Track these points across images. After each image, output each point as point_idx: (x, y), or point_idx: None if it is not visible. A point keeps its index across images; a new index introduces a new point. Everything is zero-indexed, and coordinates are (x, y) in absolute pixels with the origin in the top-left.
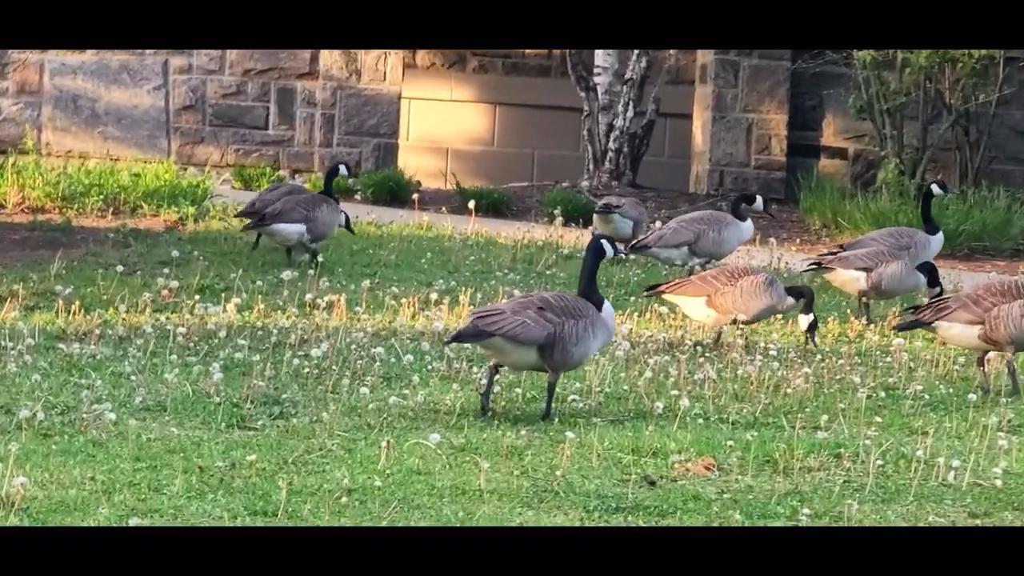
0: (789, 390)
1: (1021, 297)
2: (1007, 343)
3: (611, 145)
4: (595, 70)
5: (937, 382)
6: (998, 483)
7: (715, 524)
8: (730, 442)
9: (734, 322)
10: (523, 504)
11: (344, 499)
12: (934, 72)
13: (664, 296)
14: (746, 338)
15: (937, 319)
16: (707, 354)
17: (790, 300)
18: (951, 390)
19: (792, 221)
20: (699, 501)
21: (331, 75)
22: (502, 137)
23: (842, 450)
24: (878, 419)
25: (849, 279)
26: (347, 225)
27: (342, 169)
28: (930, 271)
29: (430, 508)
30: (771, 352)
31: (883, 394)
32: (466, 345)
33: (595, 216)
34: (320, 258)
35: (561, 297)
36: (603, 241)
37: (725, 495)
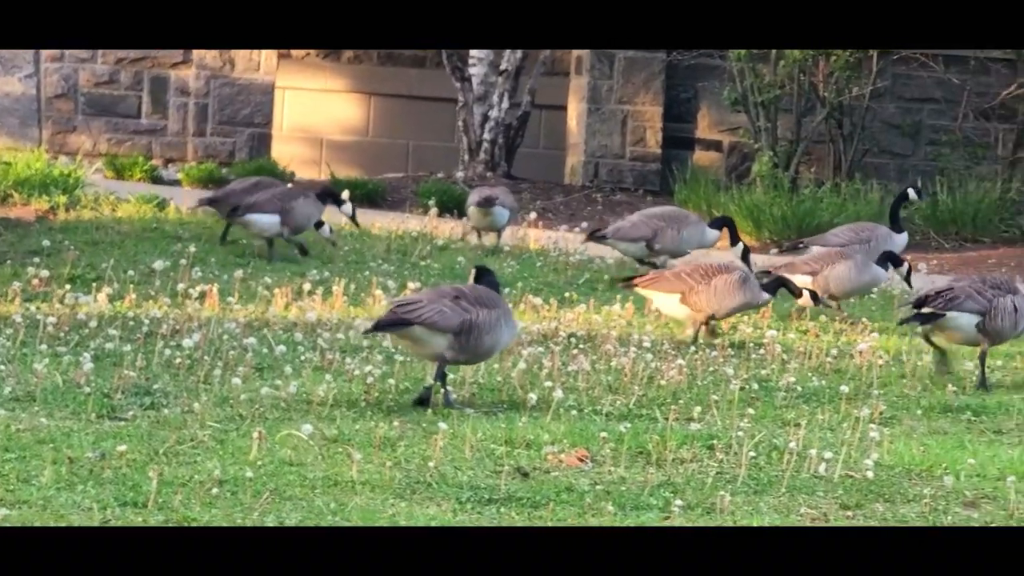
0: (663, 382)
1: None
2: (997, 335)
3: (486, 136)
4: (470, 61)
5: (810, 374)
6: (869, 475)
7: (587, 515)
8: (603, 433)
9: (709, 319)
10: (395, 495)
11: (215, 490)
12: (808, 65)
13: (637, 290)
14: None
15: (950, 309)
16: (581, 346)
17: (765, 295)
18: (823, 382)
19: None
20: (572, 492)
21: (205, 64)
22: (377, 127)
23: (715, 441)
24: (751, 411)
25: (799, 283)
26: (352, 218)
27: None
28: (890, 258)
29: (302, 499)
30: (645, 344)
31: (756, 386)
32: (340, 335)
33: (474, 208)
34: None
35: (473, 288)
36: None
37: (598, 486)
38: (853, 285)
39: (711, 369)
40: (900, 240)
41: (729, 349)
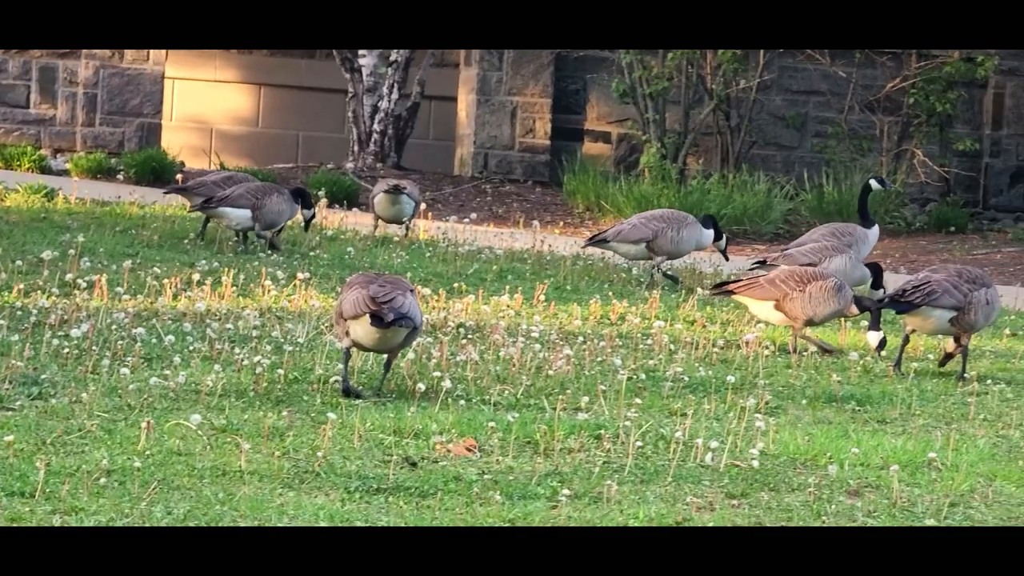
0: (551, 372)
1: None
2: (969, 328)
3: (376, 127)
4: (360, 52)
5: (697, 364)
6: (755, 464)
7: (475, 505)
8: (491, 423)
9: (806, 325)
10: (284, 485)
11: (103, 480)
12: (696, 58)
13: (733, 296)
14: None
15: (927, 303)
16: (469, 336)
17: (855, 308)
18: (710, 372)
19: (556, 204)
20: (460, 482)
21: (94, 54)
22: (267, 118)
23: (602, 431)
24: (638, 401)
25: None
26: (306, 225)
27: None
28: (875, 271)
29: (190, 489)
30: (533, 334)
31: (643, 376)
32: (229, 325)
33: (381, 196)
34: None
35: (383, 274)
36: None
37: (485, 476)
38: (850, 280)
39: (599, 359)
40: (872, 234)
41: (617, 339)
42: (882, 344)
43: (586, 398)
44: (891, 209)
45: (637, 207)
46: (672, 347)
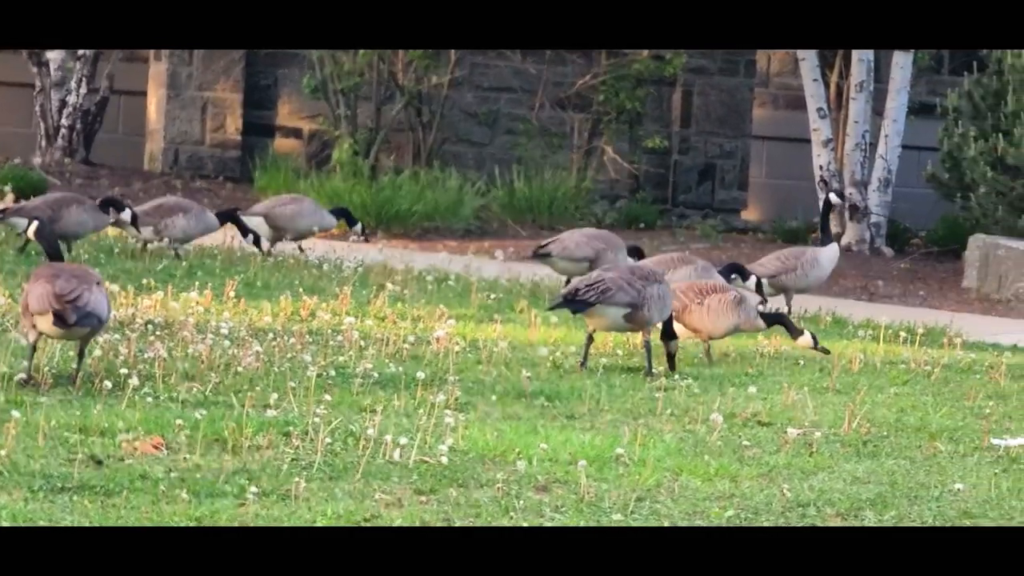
0: (240, 369)
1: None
2: (645, 323)
3: (64, 122)
4: None
5: (387, 360)
6: (444, 460)
7: (162, 503)
8: (179, 421)
9: (710, 336)
10: None
11: None
12: (387, 54)
13: None
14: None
15: (602, 302)
16: (158, 333)
17: (760, 322)
18: (401, 368)
19: (247, 200)
20: (146, 480)
21: None
22: None
23: (291, 428)
24: (328, 397)
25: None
26: (130, 223)
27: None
28: (737, 270)
29: None
30: (223, 331)
31: (333, 373)
32: None
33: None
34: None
35: (71, 264)
36: None
37: (173, 474)
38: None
39: (289, 356)
40: (824, 254)
41: (307, 336)
42: (815, 340)
43: (275, 395)
44: (581, 206)
45: (329, 203)
46: (363, 343)
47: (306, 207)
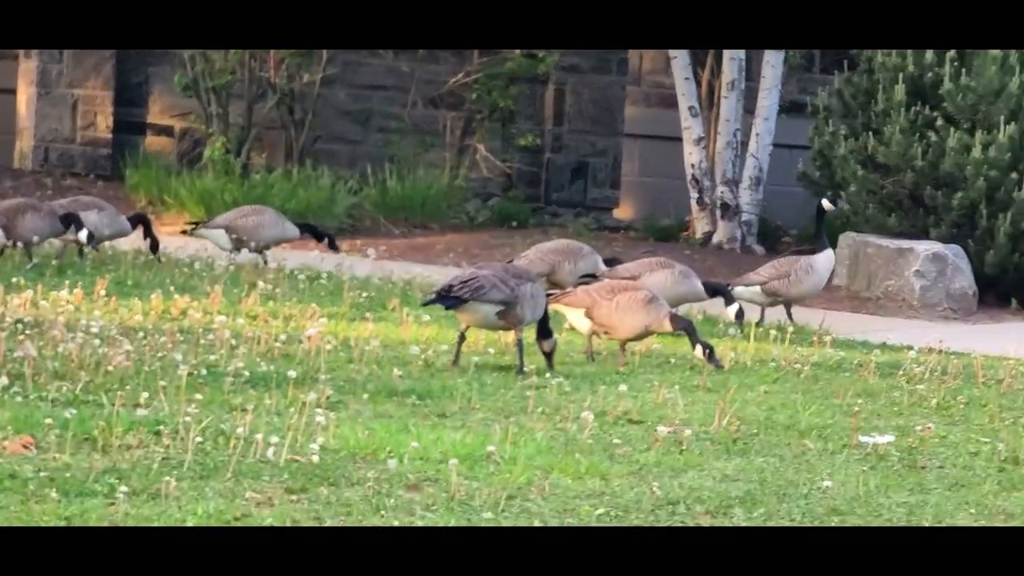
0: (110, 367)
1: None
2: (517, 321)
3: None
4: None
5: (259, 359)
6: (315, 459)
7: (31, 502)
8: (49, 420)
9: (620, 337)
10: None
11: None
12: (259, 52)
13: (552, 305)
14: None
15: (475, 299)
16: (27, 332)
17: (668, 324)
18: (272, 367)
19: (119, 198)
20: (15, 480)
21: None
22: None
23: (162, 427)
24: (199, 396)
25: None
26: (87, 243)
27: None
28: (719, 289)
29: None
30: (93, 330)
31: (204, 371)
32: None
33: None
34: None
35: None
36: None
37: (42, 473)
38: (670, 295)
39: (159, 355)
40: (820, 261)
41: (178, 334)
42: (711, 354)
43: (146, 394)
44: (454, 204)
45: (200, 201)
46: (234, 342)
47: (268, 218)
